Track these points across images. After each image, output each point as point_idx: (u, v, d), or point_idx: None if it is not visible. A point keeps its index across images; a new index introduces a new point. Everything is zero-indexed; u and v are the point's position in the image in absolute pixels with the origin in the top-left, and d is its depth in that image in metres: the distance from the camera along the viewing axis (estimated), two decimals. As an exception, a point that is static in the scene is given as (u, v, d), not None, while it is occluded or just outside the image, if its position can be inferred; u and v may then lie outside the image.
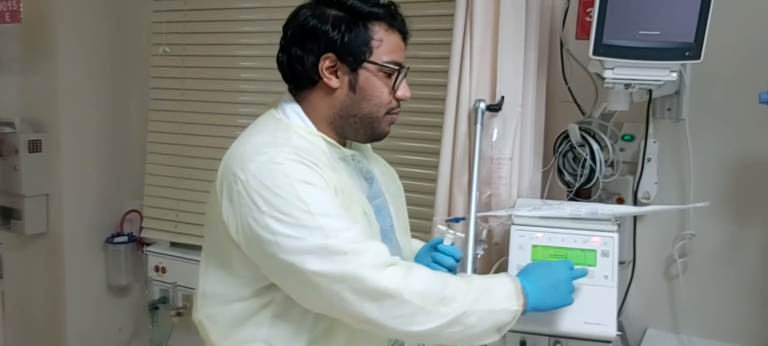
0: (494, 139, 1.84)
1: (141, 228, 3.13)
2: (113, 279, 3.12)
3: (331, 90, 1.36)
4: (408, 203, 1.63)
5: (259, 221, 1.23)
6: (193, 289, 2.92)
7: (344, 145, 1.44)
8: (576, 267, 1.50)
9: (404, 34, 1.41)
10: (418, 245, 1.65)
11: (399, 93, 1.39)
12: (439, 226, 1.58)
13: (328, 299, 1.24)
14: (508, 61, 1.84)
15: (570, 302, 1.44)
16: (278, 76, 2.66)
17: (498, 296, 1.33)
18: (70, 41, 2.86)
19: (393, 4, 1.39)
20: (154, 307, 3.05)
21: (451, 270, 1.52)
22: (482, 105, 1.80)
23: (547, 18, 1.94)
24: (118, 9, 3.02)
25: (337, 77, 1.35)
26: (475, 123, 1.79)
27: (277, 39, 2.74)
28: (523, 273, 1.42)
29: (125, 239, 3.11)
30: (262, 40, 2.83)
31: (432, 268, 1.50)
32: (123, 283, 3.14)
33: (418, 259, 1.57)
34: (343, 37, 1.33)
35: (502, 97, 1.83)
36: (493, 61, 1.86)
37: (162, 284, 3.04)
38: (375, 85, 1.36)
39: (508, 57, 1.84)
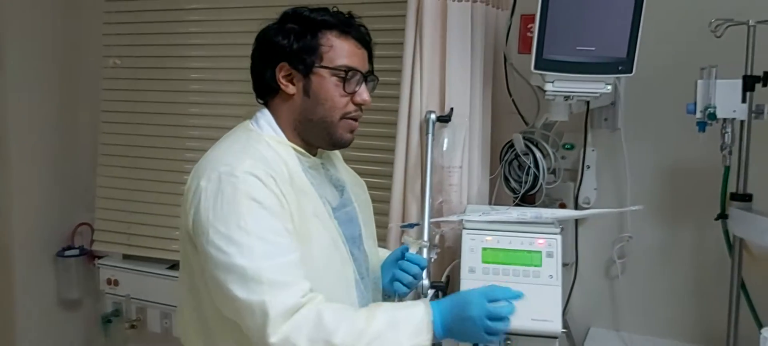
0: (445, 148, 1.92)
1: (92, 241, 3.11)
2: (64, 293, 3.09)
3: (289, 97, 1.43)
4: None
5: (204, 227, 1.28)
6: (147, 301, 2.96)
7: (315, 155, 1.50)
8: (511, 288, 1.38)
9: (364, 43, 1.46)
10: (384, 253, 1.71)
11: (357, 97, 1.43)
12: (407, 235, 1.65)
13: (238, 319, 1.26)
14: (456, 75, 1.93)
15: (485, 341, 1.34)
16: (230, 88, 2.74)
17: (404, 332, 1.27)
18: (19, 54, 2.83)
19: (352, 16, 1.46)
20: (107, 320, 3.04)
21: (416, 277, 1.60)
22: (433, 116, 1.89)
23: (492, 34, 2.03)
24: (67, 21, 3.01)
25: (293, 84, 1.42)
26: (427, 133, 1.87)
27: (228, 51, 2.82)
28: (438, 303, 1.36)
29: (76, 252, 3.08)
30: (214, 53, 2.86)
31: (398, 276, 1.59)
32: (74, 297, 3.11)
33: (384, 268, 1.63)
34: (293, 46, 1.40)
35: (451, 109, 1.92)
36: (442, 74, 1.95)
37: (114, 296, 3.03)
38: (327, 89, 1.40)
39: (456, 71, 1.93)
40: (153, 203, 2.96)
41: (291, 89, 1.42)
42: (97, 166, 3.08)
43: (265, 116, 1.46)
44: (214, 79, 2.86)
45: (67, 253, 3.07)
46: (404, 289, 1.60)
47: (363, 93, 1.44)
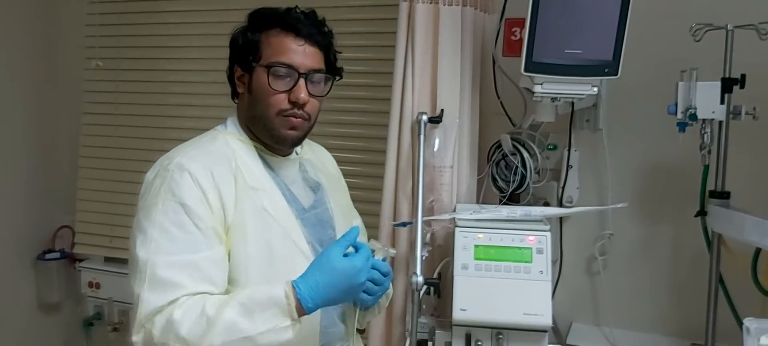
0: (436, 148, 1.96)
1: (73, 244, 3.09)
2: (45, 296, 3.07)
3: (242, 96, 1.47)
4: (356, 210, 1.73)
5: (135, 215, 1.35)
6: (130, 304, 2.94)
7: (288, 154, 1.51)
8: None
9: (310, 39, 1.41)
10: None
11: (291, 95, 1.39)
12: (371, 240, 1.62)
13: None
14: (447, 77, 1.97)
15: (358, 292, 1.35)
16: (212, 90, 2.75)
17: (260, 317, 1.24)
18: (-1, 55, 2.82)
19: (306, 13, 1.44)
20: (88, 323, 3.01)
21: (377, 283, 1.45)
22: (424, 117, 1.93)
23: (479, 37, 2.08)
24: (49, 23, 3.00)
25: (244, 84, 1.45)
26: (419, 134, 1.91)
27: (211, 53, 2.84)
28: (304, 275, 1.30)
29: (57, 255, 3.06)
30: (197, 55, 2.86)
31: None
32: (55, 300, 3.09)
33: None
34: (238, 46, 1.44)
35: (442, 110, 1.96)
36: (433, 76, 1.99)
37: (96, 300, 3.01)
38: (262, 86, 1.39)
39: (446, 73, 1.97)
40: (134, 206, 2.93)
41: (241, 88, 1.46)
42: (78, 168, 3.06)
43: (232, 117, 1.50)
44: (196, 82, 2.86)
45: (48, 256, 3.05)
46: (366, 297, 1.45)
47: (298, 91, 1.39)
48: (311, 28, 1.42)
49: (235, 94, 1.50)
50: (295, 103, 1.39)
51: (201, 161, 1.34)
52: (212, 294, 1.28)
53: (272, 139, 1.44)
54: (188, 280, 1.26)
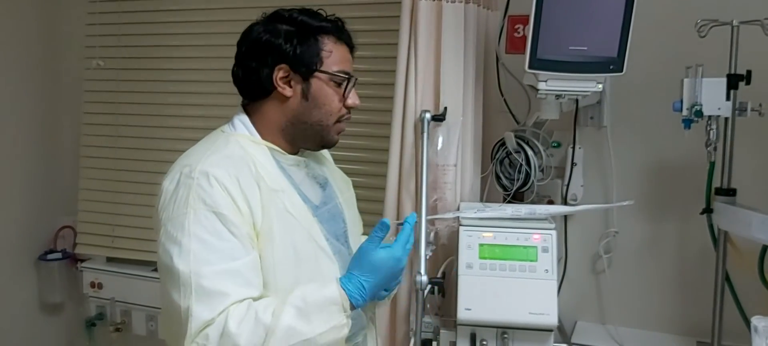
0: (439, 147, 1.95)
1: (75, 244, 3.08)
2: (46, 297, 3.05)
3: (285, 99, 1.44)
4: (358, 208, 1.71)
5: (158, 226, 1.33)
6: (132, 303, 2.94)
7: (296, 153, 1.51)
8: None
9: (351, 47, 1.50)
10: None
11: (349, 101, 1.47)
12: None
13: (171, 318, 1.29)
14: (450, 75, 1.96)
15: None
16: (216, 89, 2.76)
17: (317, 319, 1.29)
18: (-1, 55, 2.81)
19: (340, 19, 1.49)
20: (90, 324, 3.00)
21: None
22: (428, 115, 1.91)
23: (482, 34, 2.07)
24: (49, 22, 2.98)
25: (291, 87, 1.43)
26: (422, 132, 1.89)
27: (214, 52, 2.82)
28: (349, 276, 1.37)
29: (59, 255, 3.05)
30: (198, 54, 2.85)
31: None
32: (57, 300, 3.07)
33: None
34: (296, 49, 1.42)
35: (445, 108, 1.95)
36: (437, 74, 1.98)
37: (98, 300, 3.00)
38: (326, 94, 1.44)
39: (450, 70, 1.96)
40: (136, 205, 2.93)
41: (288, 91, 1.43)
42: (79, 168, 3.05)
43: (240, 118, 1.48)
44: (198, 80, 2.85)
45: (50, 256, 3.04)
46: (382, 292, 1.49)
47: (355, 97, 1.48)
48: (350, 35, 1.50)
49: (251, 94, 1.47)
50: (350, 109, 1.48)
51: (225, 167, 1.33)
52: (254, 299, 1.29)
53: (320, 144, 1.51)
54: (233, 287, 1.27)
